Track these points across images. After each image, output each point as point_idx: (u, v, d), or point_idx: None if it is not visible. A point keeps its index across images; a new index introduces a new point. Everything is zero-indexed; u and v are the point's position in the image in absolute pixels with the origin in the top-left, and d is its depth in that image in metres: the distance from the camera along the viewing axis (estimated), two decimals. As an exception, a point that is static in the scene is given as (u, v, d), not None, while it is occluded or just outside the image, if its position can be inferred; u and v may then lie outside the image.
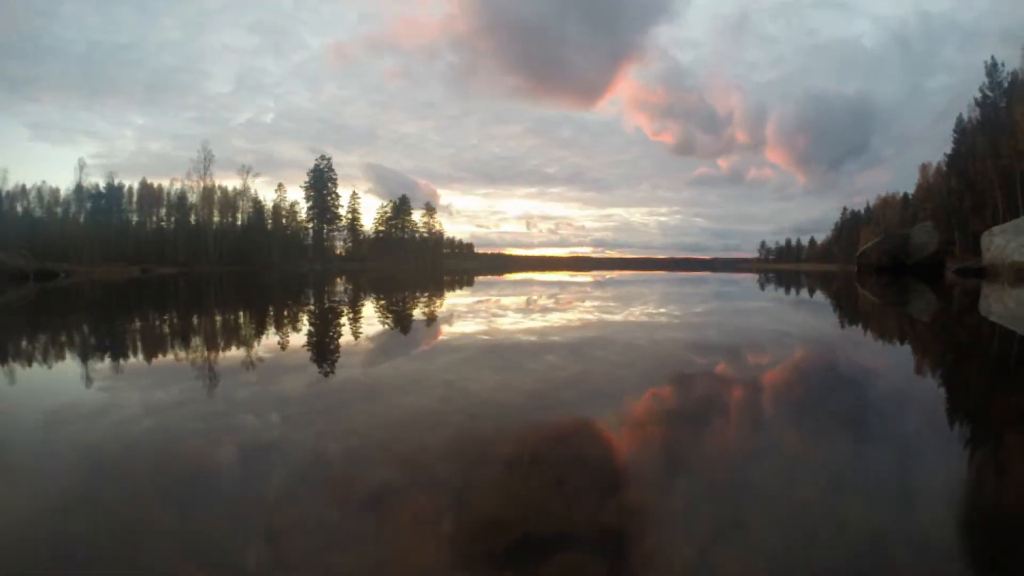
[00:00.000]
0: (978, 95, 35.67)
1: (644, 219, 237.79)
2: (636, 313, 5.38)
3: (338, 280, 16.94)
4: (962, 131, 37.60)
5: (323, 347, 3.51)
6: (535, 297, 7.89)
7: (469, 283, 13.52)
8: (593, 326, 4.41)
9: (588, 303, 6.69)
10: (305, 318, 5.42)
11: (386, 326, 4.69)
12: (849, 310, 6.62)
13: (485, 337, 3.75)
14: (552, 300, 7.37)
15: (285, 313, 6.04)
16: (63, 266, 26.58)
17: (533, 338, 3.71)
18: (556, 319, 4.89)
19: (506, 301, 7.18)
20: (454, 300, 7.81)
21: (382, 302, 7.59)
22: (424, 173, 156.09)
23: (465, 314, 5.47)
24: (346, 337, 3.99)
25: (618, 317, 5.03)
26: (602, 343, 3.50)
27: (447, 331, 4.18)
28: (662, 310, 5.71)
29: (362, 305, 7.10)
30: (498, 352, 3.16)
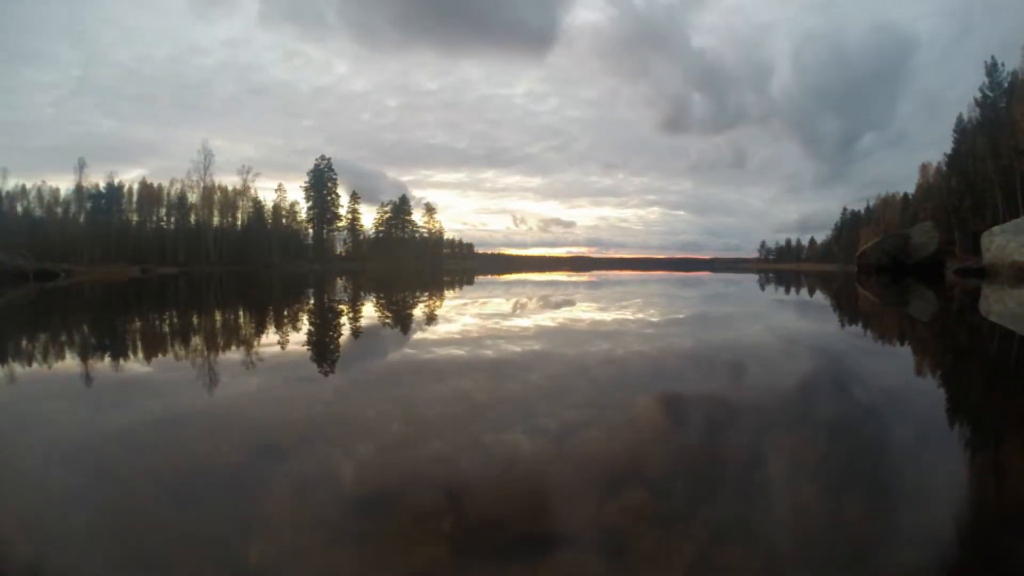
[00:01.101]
0: (978, 95, 35.65)
1: (620, 212, 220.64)
2: (608, 320, 4.96)
3: (338, 280, 16.94)
4: (962, 131, 37.54)
5: (232, 360, 3.07)
6: (523, 300, 7.75)
7: (464, 284, 13.42)
8: (547, 335, 3.97)
9: (565, 307, 6.47)
10: (267, 323, 5.42)
11: (312, 334, 4.31)
12: (851, 313, 6.59)
13: (410, 351, 3.36)
14: (530, 302, 7.23)
15: (241, 319, 6.02)
16: (63, 266, 26.56)
17: (462, 351, 3.24)
18: (510, 326, 4.48)
19: (483, 305, 7.05)
20: (429, 303, 7.67)
21: (347, 305, 7.52)
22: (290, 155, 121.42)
23: (422, 320, 5.22)
24: (265, 348, 3.50)
25: (583, 325, 4.59)
26: (544, 360, 2.98)
27: (380, 342, 3.83)
28: (640, 315, 5.37)
29: (322, 309, 7.02)
30: (407, 373, 2.66)
